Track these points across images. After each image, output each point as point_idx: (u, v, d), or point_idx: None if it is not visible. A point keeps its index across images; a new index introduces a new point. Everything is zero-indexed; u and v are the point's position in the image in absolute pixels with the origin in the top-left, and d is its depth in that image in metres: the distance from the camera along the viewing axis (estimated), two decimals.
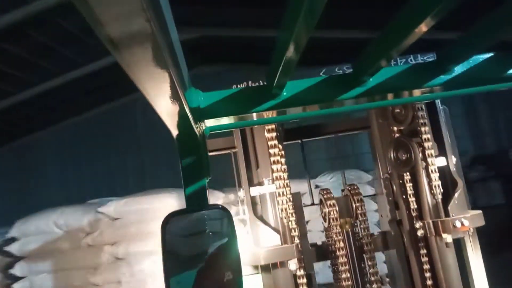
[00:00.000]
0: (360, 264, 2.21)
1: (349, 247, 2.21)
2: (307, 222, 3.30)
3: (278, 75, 1.15)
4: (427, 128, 2.11)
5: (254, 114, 1.38)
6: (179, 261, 1.14)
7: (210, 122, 1.36)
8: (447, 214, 2.04)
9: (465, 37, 1.28)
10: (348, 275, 2.15)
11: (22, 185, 7.42)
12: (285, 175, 2.10)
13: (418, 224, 2.09)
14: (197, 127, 1.23)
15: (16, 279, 4.17)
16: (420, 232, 2.08)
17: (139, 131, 7.70)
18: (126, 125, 7.70)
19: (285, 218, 2.07)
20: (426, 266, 2.09)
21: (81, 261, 4.03)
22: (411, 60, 1.79)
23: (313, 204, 2.58)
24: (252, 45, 6.43)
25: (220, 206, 1.17)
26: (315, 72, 1.60)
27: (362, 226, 2.22)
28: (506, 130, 7.89)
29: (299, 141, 2.58)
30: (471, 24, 1.19)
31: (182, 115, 1.03)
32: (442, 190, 2.08)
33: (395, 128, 2.21)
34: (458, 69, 1.38)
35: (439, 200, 2.07)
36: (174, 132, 1.18)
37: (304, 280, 2.06)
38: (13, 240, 4.18)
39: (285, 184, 2.10)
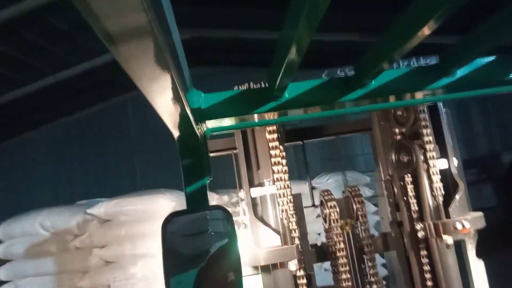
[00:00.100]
0: (360, 265, 2.21)
1: (350, 248, 2.21)
2: None
3: (280, 76, 1.15)
4: (429, 130, 2.10)
5: (255, 116, 1.38)
6: (180, 261, 1.14)
7: (211, 123, 1.36)
8: (448, 216, 2.04)
9: (467, 40, 1.28)
10: (348, 276, 2.15)
11: (12, 186, 7.27)
12: (286, 176, 2.10)
13: (418, 226, 2.09)
14: (198, 128, 1.23)
15: (1, 283, 4.05)
16: (420, 234, 2.08)
17: (131, 131, 7.62)
18: (118, 125, 7.60)
19: (285, 219, 2.07)
20: (427, 268, 2.09)
21: (69, 265, 3.89)
22: (413, 63, 1.78)
23: (313, 205, 2.58)
24: (245, 46, 6.39)
25: (220, 207, 1.17)
26: (317, 75, 1.60)
27: (362, 228, 2.22)
28: (499, 133, 7.85)
29: (301, 142, 2.57)
30: (473, 27, 1.19)
31: (183, 116, 1.03)
32: (443, 192, 2.08)
33: (397, 130, 2.21)
34: (460, 72, 1.38)
35: (440, 202, 2.06)
36: (175, 133, 1.19)
37: (304, 281, 2.06)
38: None
39: (286, 185, 2.10)
